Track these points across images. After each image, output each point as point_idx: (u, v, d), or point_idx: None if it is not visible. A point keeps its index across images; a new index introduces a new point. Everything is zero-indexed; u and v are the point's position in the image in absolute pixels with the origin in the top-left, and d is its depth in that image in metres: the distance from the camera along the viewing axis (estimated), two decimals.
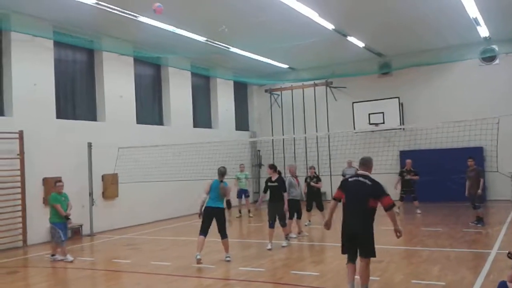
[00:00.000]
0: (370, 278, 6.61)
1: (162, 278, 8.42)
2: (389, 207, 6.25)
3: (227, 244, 9.52)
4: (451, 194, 17.38)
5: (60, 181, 10.75)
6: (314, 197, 13.43)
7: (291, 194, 11.42)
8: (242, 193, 16.97)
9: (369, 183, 6.38)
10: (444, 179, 17.01)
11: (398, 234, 6.39)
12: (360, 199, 6.35)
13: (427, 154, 17.38)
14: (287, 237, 10.96)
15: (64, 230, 10.37)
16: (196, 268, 8.83)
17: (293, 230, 11.85)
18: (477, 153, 17.40)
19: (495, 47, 18.24)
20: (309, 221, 13.57)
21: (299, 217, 11.99)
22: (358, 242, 6.42)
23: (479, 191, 12.19)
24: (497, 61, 18.33)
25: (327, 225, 6.76)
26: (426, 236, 11.50)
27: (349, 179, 6.64)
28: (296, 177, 12.03)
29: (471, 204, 12.63)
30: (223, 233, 9.45)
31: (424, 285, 7.16)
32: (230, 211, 15.33)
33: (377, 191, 6.33)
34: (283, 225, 10.80)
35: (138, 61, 16.78)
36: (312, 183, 13.43)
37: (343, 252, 6.62)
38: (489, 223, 12.70)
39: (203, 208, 9.41)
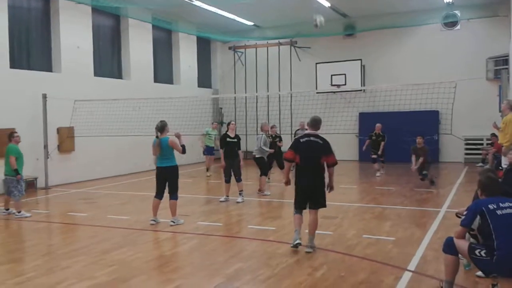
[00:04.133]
0: (324, 232, 6.89)
1: (119, 231, 8.38)
2: (332, 165, 6.78)
3: (175, 207, 8.77)
4: (406, 155, 17.92)
5: (16, 132, 10.29)
6: (275, 156, 13.57)
7: (265, 151, 12.19)
8: (210, 150, 16.39)
9: (321, 142, 6.74)
10: (400, 141, 17.45)
11: (330, 189, 6.93)
12: (314, 158, 6.70)
13: (386, 116, 17.72)
14: (241, 193, 11.08)
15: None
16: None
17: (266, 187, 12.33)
18: (432, 117, 17.94)
19: (457, 12, 18.47)
20: (269, 178, 13.73)
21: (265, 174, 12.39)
22: (312, 196, 6.79)
23: (415, 166, 12.61)
24: (458, 27, 18.62)
25: (288, 183, 7.11)
26: (379, 194, 11.89)
27: (301, 140, 6.81)
28: (269, 135, 12.69)
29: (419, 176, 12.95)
30: (172, 193, 8.78)
31: (375, 239, 7.43)
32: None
33: (328, 149, 6.74)
34: (238, 180, 11.07)
35: (96, 10, 16.04)
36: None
37: (297, 208, 6.87)
38: (440, 184, 13.21)
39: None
